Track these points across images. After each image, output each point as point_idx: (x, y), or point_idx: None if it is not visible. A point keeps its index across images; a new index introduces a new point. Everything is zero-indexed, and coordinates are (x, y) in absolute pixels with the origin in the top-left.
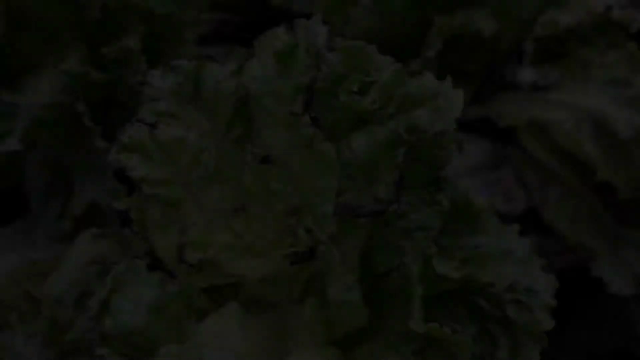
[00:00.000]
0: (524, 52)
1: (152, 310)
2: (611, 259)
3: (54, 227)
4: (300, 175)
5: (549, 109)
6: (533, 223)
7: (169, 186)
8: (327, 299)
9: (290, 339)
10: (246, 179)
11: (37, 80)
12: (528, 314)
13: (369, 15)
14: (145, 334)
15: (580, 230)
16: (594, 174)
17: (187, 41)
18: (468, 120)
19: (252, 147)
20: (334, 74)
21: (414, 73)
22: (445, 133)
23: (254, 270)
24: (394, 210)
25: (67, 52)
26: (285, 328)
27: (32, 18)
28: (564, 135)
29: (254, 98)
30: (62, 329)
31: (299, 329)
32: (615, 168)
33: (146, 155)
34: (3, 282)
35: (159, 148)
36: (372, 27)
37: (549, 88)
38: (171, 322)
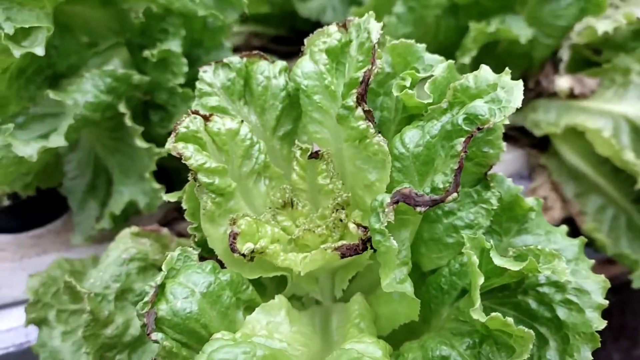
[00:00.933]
0: (560, 59)
1: (206, 298)
2: None
3: (92, 227)
4: (350, 170)
5: (587, 117)
6: (571, 233)
7: (223, 177)
8: (377, 293)
9: (336, 333)
10: (294, 174)
11: (81, 81)
12: (579, 314)
13: (403, 24)
14: (199, 320)
15: (619, 240)
16: (633, 183)
17: (224, 47)
18: (503, 129)
19: (301, 143)
20: (382, 72)
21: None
22: (495, 129)
23: (302, 264)
24: (453, 200)
25: (111, 55)
26: (328, 320)
27: (77, 23)
28: (602, 143)
29: (304, 94)
30: (103, 324)
31: (345, 324)
32: None
33: (201, 145)
34: (42, 281)
35: (212, 139)
36: (407, 35)
37: (586, 96)
38: (223, 310)
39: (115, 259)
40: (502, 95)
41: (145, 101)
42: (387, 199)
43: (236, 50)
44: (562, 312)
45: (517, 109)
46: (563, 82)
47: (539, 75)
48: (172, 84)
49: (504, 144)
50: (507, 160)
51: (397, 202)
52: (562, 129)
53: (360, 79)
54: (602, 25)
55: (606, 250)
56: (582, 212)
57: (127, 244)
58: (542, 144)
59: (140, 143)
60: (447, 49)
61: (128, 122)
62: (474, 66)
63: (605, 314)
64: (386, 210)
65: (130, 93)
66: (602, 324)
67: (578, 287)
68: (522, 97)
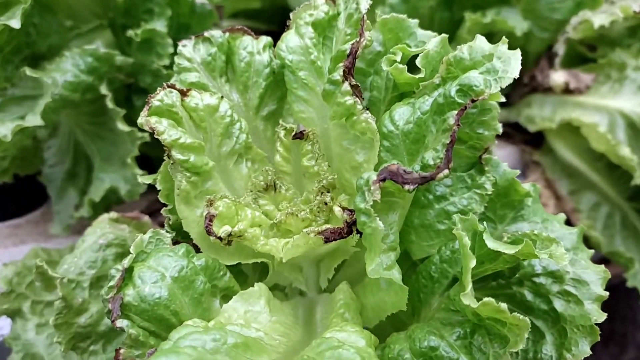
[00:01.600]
0: (555, 54)
1: (177, 283)
2: None
3: (71, 215)
4: (336, 151)
5: (582, 112)
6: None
7: (199, 154)
8: (364, 282)
9: (320, 325)
10: (277, 156)
11: (61, 60)
12: (577, 306)
13: (397, 10)
14: (169, 306)
15: (613, 238)
16: (628, 180)
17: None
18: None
19: (285, 123)
20: (371, 50)
21: None
22: (490, 109)
23: (284, 250)
24: (444, 176)
25: (93, 37)
26: (313, 315)
27: (59, 3)
28: (598, 138)
29: (289, 70)
30: (76, 312)
31: (330, 315)
32: None
33: (176, 121)
34: (16, 270)
35: (189, 115)
36: None
37: (581, 91)
38: (196, 296)
39: (92, 245)
40: (498, 65)
41: (128, 85)
42: (373, 176)
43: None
44: (559, 304)
45: (511, 104)
46: (558, 77)
47: (534, 70)
48: (156, 66)
49: (497, 125)
50: (501, 157)
51: (383, 180)
52: (557, 124)
53: (348, 52)
54: (599, 19)
55: (600, 248)
56: (577, 210)
57: (104, 229)
58: (536, 141)
59: (122, 126)
60: None
61: (109, 104)
62: None
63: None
64: (372, 188)
65: (113, 74)
66: (602, 317)
67: (577, 278)
68: (513, 90)
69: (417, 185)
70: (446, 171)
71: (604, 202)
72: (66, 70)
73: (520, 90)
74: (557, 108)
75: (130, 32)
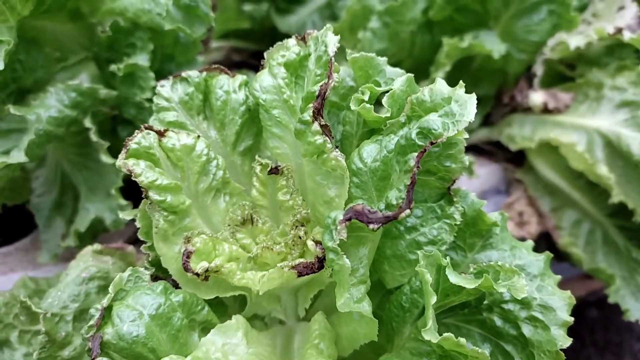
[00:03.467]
0: (534, 74)
1: (154, 320)
2: (628, 285)
3: (58, 245)
4: (310, 185)
5: (561, 131)
6: (547, 247)
7: (176, 194)
8: (338, 313)
9: (297, 354)
10: (254, 191)
11: (45, 96)
12: (544, 331)
13: (378, 39)
14: (147, 344)
15: (595, 255)
16: (608, 197)
17: (197, 62)
18: (479, 144)
19: (261, 158)
20: (344, 85)
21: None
22: (456, 143)
23: (260, 283)
24: (406, 216)
25: (79, 70)
26: (290, 340)
27: (46, 37)
28: (577, 157)
29: (263, 108)
30: (59, 345)
31: (306, 345)
32: (630, 189)
33: (154, 162)
34: (4, 301)
35: (166, 155)
36: (381, 50)
37: (560, 110)
38: (174, 332)
39: (75, 278)
40: (455, 108)
41: (113, 116)
42: (340, 216)
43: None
44: (527, 330)
45: (493, 124)
46: (537, 97)
47: (514, 90)
48: (139, 99)
49: (475, 163)
50: (483, 175)
51: (349, 219)
52: (537, 143)
53: (317, 93)
54: (574, 41)
55: (582, 265)
56: (558, 227)
57: (87, 262)
58: (518, 159)
59: (105, 158)
60: (423, 64)
61: (93, 137)
62: (448, 82)
63: (590, 329)
64: (338, 227)
65: (97, 108)
66: (567, 342)
67: (543, 304)
68: (493, 110)
69: (381, 224)
70: (407, 211)
71: (585, 219)
72: (50, 106)
73: (501, 110)
74: (536, 127)
75: (113, 67)
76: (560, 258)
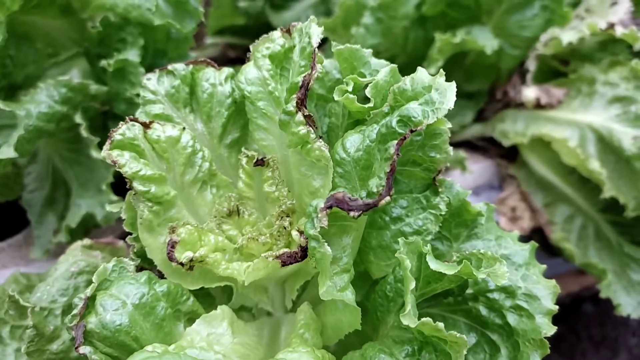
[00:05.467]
0: (526, 70)
1: (138, 309)
2: (620, 280)
3: (50, 241)
4: (296, 176)
5: (553, 127)
6: (539, 243)
7: (160, 185)
8: (324, 303)
9: (282, 345)
10: (240, 182)
11: (35, 92)
12: (529, 320)
13: (371, 35)
14: (130, 332)
15: (587, 250)
16: (600, 192)
17: (189, 57)
18: (472, 139)
19: (250, 150)
20: (331, 78)
21: None
22: (440, 134)
23: (245, 273)
24: (386, 203)
25: (70, 65)
26: (277, 331)
27: (37, 32)
28: (569, 153)
29: (249, 100)
30: (48, 339)
31: (291, 335)
32: (621, 185)
33: (138, 153)
34: None
35: (152, 147)
36: (374, 45)
37: (553, 106)
38: (158, 322)
39: (64, 272)
40: (435, 97)
41: (104, 112)
42: (321, 204)
43: (213, 61)
44: (512, 319)
45: (486, 119)
46: (530, 93)
47: (507, 86)
48: (129, 94)
49: (468, 158)
50: (477, 171)
51: (330, 207)
52: (529, 139)
53: (300, 84)
54: (567, 36)
55: (574, 260)
56: (551, 222)
57: (76, 256)
58: (511, 154)
59: (96, 154)
60: (416, 60)
61: (84, 132)
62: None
63: (585, 324)
64: (319, 215)
65: (88, 103)
66: (551, 330)
67: (528, 293)
68: (487, 106)
69: (361, 212)
70: (387, 198)
71: (577, 215)
72: (40, 101)
73: (494, 106)
74: (529, 123)
75: (103, 63)
76: (552, 253)
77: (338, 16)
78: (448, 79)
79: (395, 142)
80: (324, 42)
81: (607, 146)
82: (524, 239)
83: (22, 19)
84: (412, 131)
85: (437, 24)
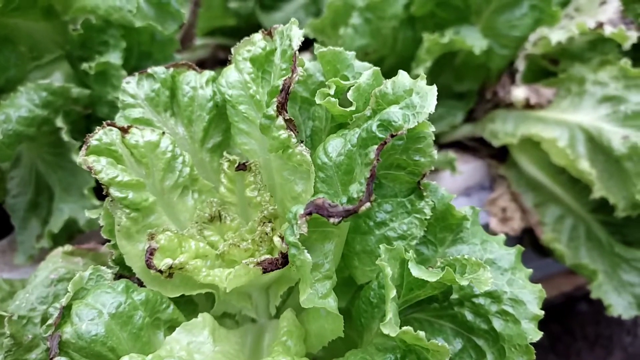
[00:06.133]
0: (516, 70)
1: (114, 319)
2: (611, 280)
3: (34, 246)
4: (278, 181)
5: (543, 127)
6: (530, 243)
7: (138, 191)
8: (307, 309)
9: (264, 352)
10: (222, 187)
11: (15, 96)
12: (515, 325)
13: (360, 35)
14: (106, 343)
15: (578, 250)
16: (590, 192)
17: (175, 59)
18: (462, 140)
19: (229, 154)
20: (314, 81)
21: None
22: (424, 137)
23: (227, 280)
24: (368, 210)
25: (53, 68)
26: (260, 339)
27: (19, 35)
28: (558, 153)
29: (230, 104)
30: (26, 348)
31: (274, 340)
32: (611, 185)
33: (116, 159)
34: None
35: (130, 152)
36: (363, 46)
37: (542, 105)
38: (135, 331)
39: (43, 280)
40: (416, 100)
41: (87, 115)
42: (301, 210)
43: (203, 63)
44: (498, 324)
45: (476, 120)
46: (519, 93)
47: (496, 86)
48: (111, 97)
49: (458, 159)
50: (467, 171)
51: (309, 214)
52: (519, 139)
53: (281, 87)
54: (556, 36)
55: (565, 261)
56: (541, 223)
57: (56, 263)
58: (501, 155)
59: (77, 159)
60: (405, 60)
61: (65, 137)
62: (430, 78)
63: (580, 323)
64: (299, 222)
65: (69, 107)
66: (537, 335)
67: (514, 298)
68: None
69: (341, 218)
70: (368, 204)
71: (568, 215)
72: (20, 105)
73: (484, 106)
74: (518, 123)
75: (84, 66)
76: (543, 254)
77: (326, 17)
78: (437, 80)
79: (376, 147)
80: (312, 44)
81: (597, 146)
82: (513, 240)
83: (3, 22)
84: (392, 136)
85: (426, 24)
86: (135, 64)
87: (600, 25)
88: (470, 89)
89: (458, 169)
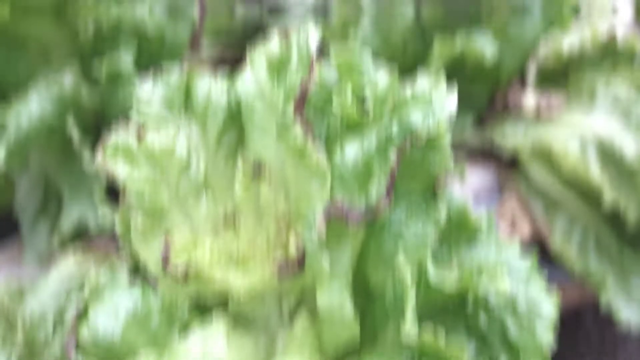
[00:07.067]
0: (527, 76)
1: (131, 321)
2: (621, 289)
3: (43, 246)
4: (293, 185)
5: (554, 134)
6: (539, 251)
7: (155, 192)
8: (320, 314)
9: (279, 355)
10: (237, 189)
11: (26, 101)
12: (529, 331)
13: (369, 38)
14: (123, 345)
15: (588, 258)
16: (600, 201)
17: (183, 62)
18: (472, 146)
19: (244, 157)
20: (328, 82)
21: None
22: (440, 141)
23: (242, 283)
24: (385, 213)
25: (63, 71)
26: (274, 344)
27: (29, 37)
28: (569, 160)
29: (246, 108)
30: (39, 348)
31: (288, 345)
32: (622, 193)
33: (132, 159)
34: None
35: (146, 153)
36: (373, 49)
37: (552, 113)
38: (152, 334)
39: (55, 282)
40: (436, 104)
41: (98, 118)
42: (318, 213)
43: (211, 64)
44: (512, 330)
45: (486, 126)
46: (529, 99)
47: (507, 92)
48: (123, 100)
49: (467, 164)
50: (476, 178)
51: (328, 217)
52: (529, 146)
53: (298, 92)
54: (568, 42)
55: (574, 269)
56: (551, 230)
57: (68, 265)
58: (511, 161)
59: (88, 161)
60: (415, 65)
61: (76, 141)
62: None
63: (585, 334)
64: (317, 225)
65: (80, 110)
66: (552, 342)
67: (529, 304)
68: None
69: (360, 221)
70: (386, 208)
71: (578, 223)
72: (31, 112)
73: (494, 112)
74: (528, 130)
75: (96, 69)
76: (552, 262)
77: (336, 22)
78: (448, 84)
79: (395, 150)
80: (323, 48)
81: (608, 154)
82: (524, 248)
83: (13, 24)
84: (412, 139)
85: (436, 29)
86: (145, 66)
87: (612, 31)
88: (480, 94)
89: (467, 175)
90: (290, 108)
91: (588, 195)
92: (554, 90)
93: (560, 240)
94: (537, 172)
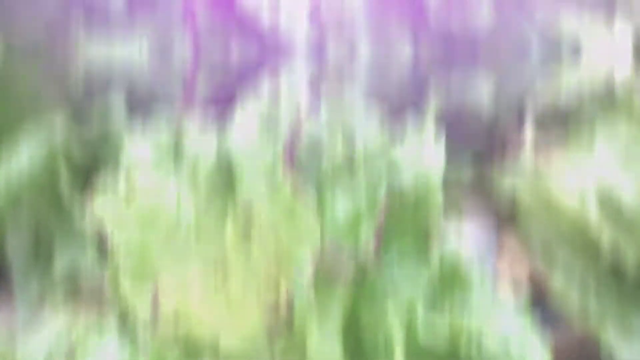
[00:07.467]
0: (525, 118)
1: None
2: (622, 329)
3: (34, 296)
4: (284, 234)
5: (552, 174)
6: (539, 288)
7: (144, 249)
8: (307, 355)
9: None
10: (227, 240)
11: (16, 146)
12: None
13: (365, 78)
14: None
15: (588, 297)
16: (600, 245)
17: (174, 114)
18: (469, 191)
19: (234, 216)
20: (318, 138)
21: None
22: (429, 194)
23: (232, 327)
24: (374, 261)
25: (52, 113)
26: None
27: (16, 79)
28: (568, 206)
29: (235, 165)
30: None
31: None
32: (622, 239)
33: (121, 220)
34: None
35: (133, 213)
36: (367, 89)
37: (551, 157)
38: None
39: (45, 336)
40: (424, 168)
41: (88, 167)
42: (308, 258)
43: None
44: None
45: (484, 160)
46: (527, 141)
47: (504, 133)
48: (113, 153)
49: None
50: (473, 213)
51: (316, 263)
52: (528, 191)
53: (286, 144)
54: (567, 80)
55: (573, 313)
56: (550, 280)
57: (59, 317)
58: (509, 206)
59: (78, 212)
60: (411, 103)
61: (66, 191)
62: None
63: None
64: (305, 271)
65: (72, 155)
66: None
67: (523, 352)
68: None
69: (349, 266)
70: (375, 256)
71: (577, 268)
72: (21, 167)
73: (491, 146)
74: (526, 174)
75: (86, 109)
76: (550, 305)
77: (331, 61)
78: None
79: (384, 197)
80: (315, 91)
81: (608, 199)
82: (521, 302)
83: (2, 71)
84: (402, 188)
85: (433, 69)
86: (136, 106)
87: (611, 71)
88: (477, 133)
89: (463, 221)
90: (280, 158)
91: (588, 240)
92: (553, 132)
93: (560, 285)
94: (536, 218)
